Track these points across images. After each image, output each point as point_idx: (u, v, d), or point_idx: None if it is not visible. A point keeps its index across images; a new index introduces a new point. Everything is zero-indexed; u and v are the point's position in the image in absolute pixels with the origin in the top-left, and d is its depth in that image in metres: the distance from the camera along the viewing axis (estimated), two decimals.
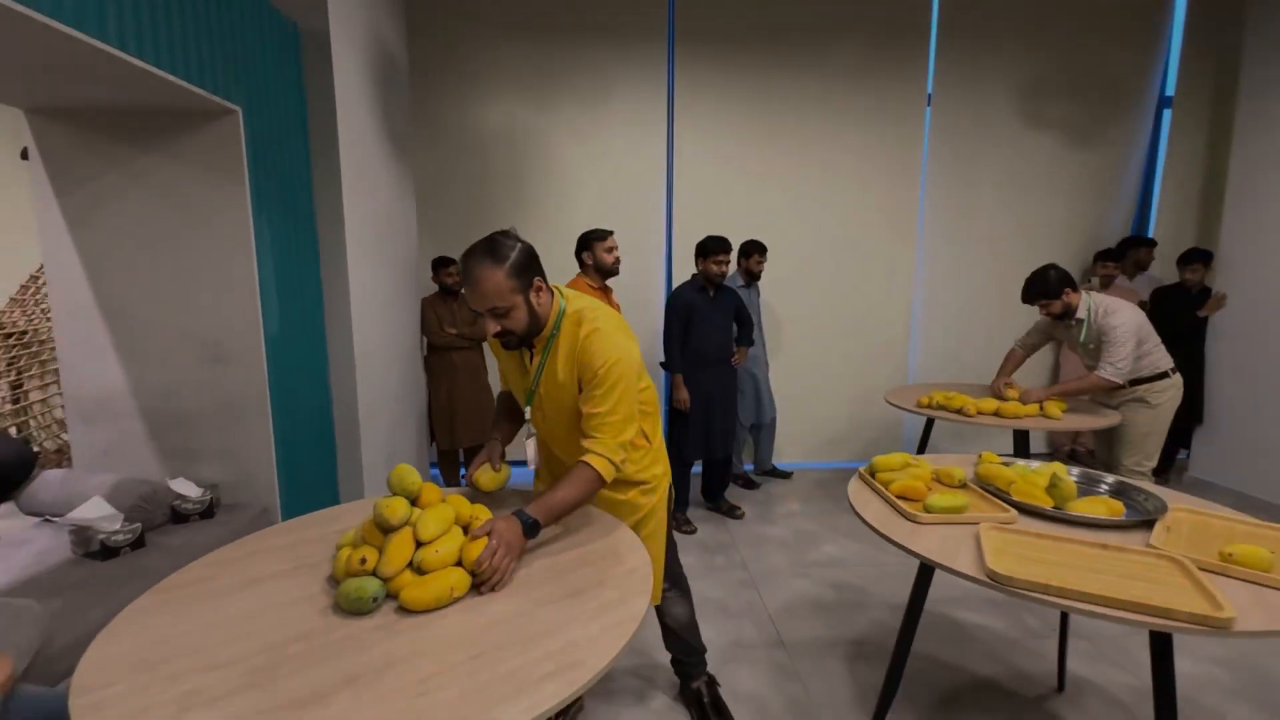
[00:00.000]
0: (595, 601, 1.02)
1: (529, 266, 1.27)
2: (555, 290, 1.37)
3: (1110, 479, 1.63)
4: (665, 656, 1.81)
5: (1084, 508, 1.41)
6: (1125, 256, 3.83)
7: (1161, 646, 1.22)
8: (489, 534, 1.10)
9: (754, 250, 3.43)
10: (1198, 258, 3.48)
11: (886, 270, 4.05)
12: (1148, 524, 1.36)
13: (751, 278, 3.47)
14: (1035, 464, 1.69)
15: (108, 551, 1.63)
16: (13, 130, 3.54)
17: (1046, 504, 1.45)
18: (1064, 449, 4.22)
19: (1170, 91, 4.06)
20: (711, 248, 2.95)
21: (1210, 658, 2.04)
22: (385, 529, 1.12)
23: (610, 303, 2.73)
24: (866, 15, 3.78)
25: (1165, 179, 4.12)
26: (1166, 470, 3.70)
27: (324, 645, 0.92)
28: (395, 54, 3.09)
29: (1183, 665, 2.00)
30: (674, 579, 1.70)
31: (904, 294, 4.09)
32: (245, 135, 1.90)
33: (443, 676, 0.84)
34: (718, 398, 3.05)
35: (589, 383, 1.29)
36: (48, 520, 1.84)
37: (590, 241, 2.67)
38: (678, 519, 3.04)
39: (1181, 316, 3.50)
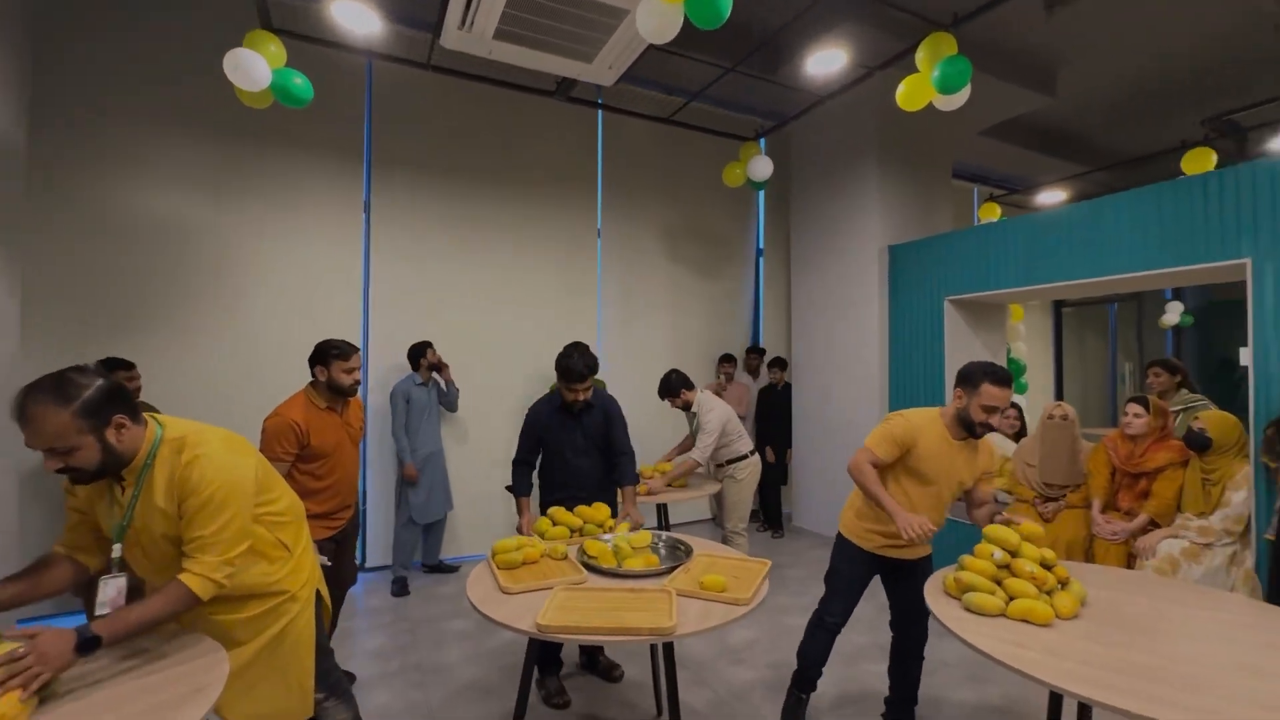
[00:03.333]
0: None
1: (105, 404, 1.26)
2: (151, 420, 1.38)
3: (669, 537, 2.19)
4: None
5: (633, 563, 1.90)
6: (746, 360, 5.16)
7: (668, 653, 1.72)
8: (32, 639, 1.06)
9: (426, 348, 3.73)
10: (776, 364, 4.89)
11: None
12: (675, 568, 1.90)
13: (432, 369, 3.76)
14: (615, 536, 2.16)
15: None
16: None
17: (611, 564, 1.91)
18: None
19: (761, 244, 5.74)
20: (565, 368, 2.39)
21: (763, 664, 2.76)
22: None
23: (344, 420, 2.40)
24: (545, 160, 4.59)
25: (766, 306, 5.72)
26: (779, 523, 4.89)
27: None
28: (8, 137, 2.70)
29: (743, 673, 2.67)
30: (330, 686, 1.68)
31: None
32: None
33: None
34: None
35: (195, 509, 1.31)
36: None
37: (327, 357, 2.29)
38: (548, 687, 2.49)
39: (774, 406, 4.81)
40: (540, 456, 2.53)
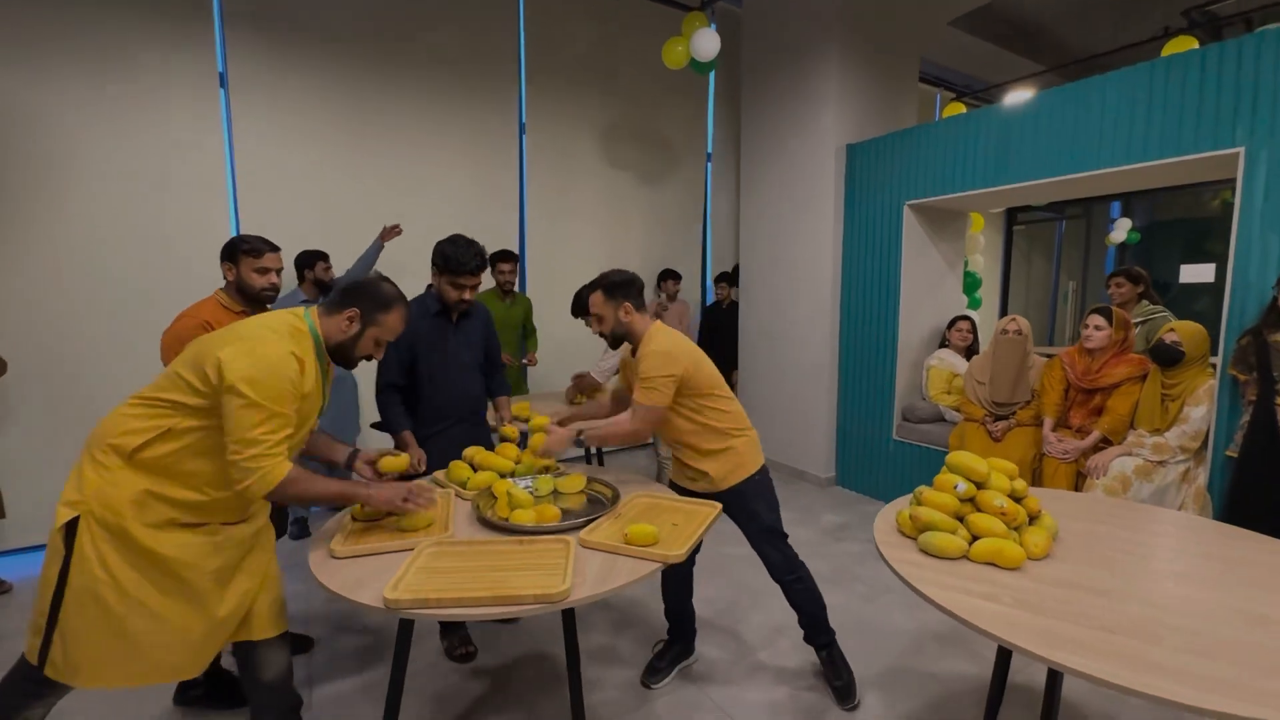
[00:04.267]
0: None
1: None
2: None
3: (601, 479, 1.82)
4: None
5: (522, 516, 1.52)
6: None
7: (568, 622, 1.40)
8: None
9: (317, 258, 3.15)
10: (723, 279, 4.50)
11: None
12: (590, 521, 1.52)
13: (322, 289, 3.17)
14: (524, 481, 1.79)
15: None
16: None
17: (504, 515, 1.55)
18: None
19: (710, 149, 5.19)
20: (451, 257, 1.95)
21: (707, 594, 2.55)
22: None
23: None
24: (453, 40, 3.84)
25: (715, 216, 5.26)
26: None
27: None
28: None
29: None
30: None
31: None
32: None
33: None
34: None
35: None
36: None
37: (236, 252, 1.89)
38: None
39: (718, 323, 4.48)
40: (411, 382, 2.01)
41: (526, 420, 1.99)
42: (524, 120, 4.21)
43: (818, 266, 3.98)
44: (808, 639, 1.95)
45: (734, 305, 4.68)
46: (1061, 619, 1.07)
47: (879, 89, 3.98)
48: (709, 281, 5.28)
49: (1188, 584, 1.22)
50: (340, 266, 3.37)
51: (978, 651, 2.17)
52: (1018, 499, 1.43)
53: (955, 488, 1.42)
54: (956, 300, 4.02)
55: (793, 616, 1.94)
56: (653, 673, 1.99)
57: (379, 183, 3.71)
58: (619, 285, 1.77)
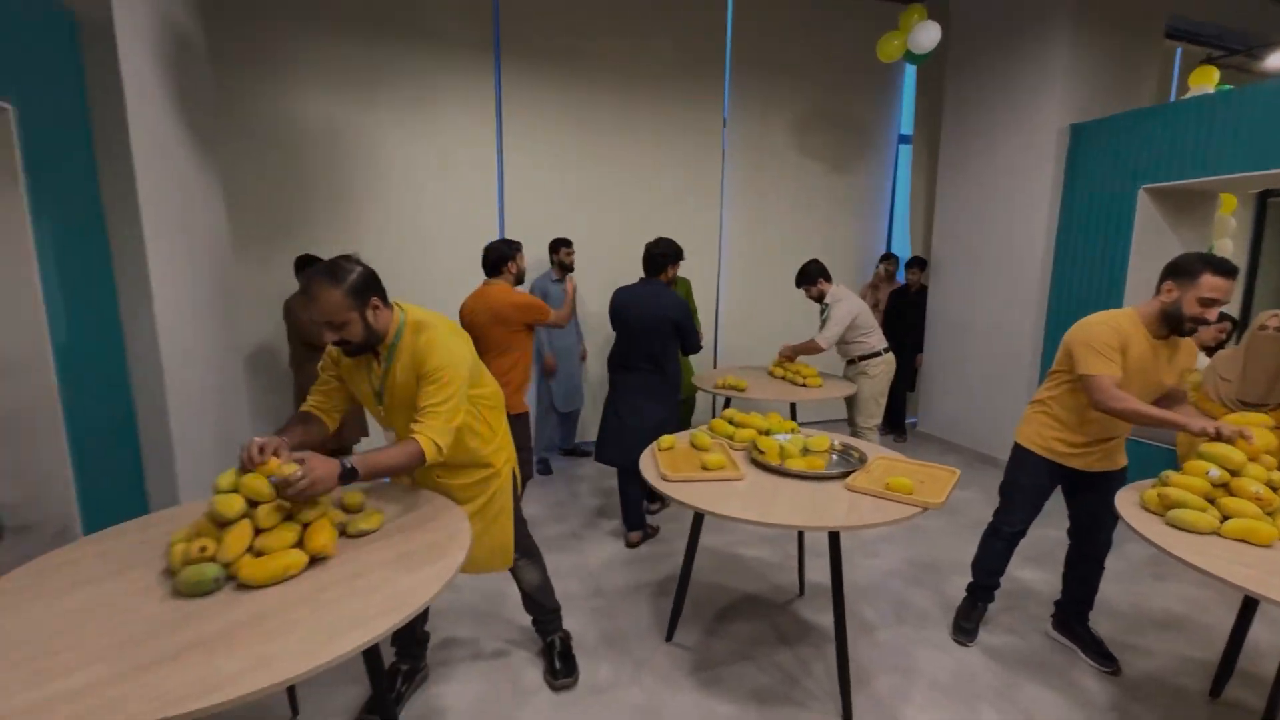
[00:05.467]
0: (420, 559, 1.30)
1: (366, 288, 1.48)
2: (396, 306, 1.59)
3: (843, 441, 2.19)
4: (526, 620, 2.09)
5: (799, 463, 1.94)
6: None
7: (833, 544, 1.81)
8: (303, 462, 1.30)
9: (561, 245, 3.75)
10: (915, 264, 4.55)
11: (693, 272, 4.65)
12: (846, 474, 1.89)
13: (564, 270, 3.79)
14: (785, 436, 2.20)
15: None
16: None
17: (775, 461, 1.98)
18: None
19: (906, 130, 5.15)
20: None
21: (900, 558, 2.83)
22: (222, 523, 1.27)
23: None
24: (669, 47, 4.29)
25: (912, 202, 5.23)
26: (901, 428, 4.79)
27: (168, 623, 1.08)
28: (192, 41, 2.90)
29: (879, 563, 2.77)
30: (524, 549, 1.95)
31: (709, 291, 4.74)
32: (18, 134, 1.79)
33: (287, 627, 1.07)
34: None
35: (424, 379, 1.52)
36: None
37: (514, 251, 2.73)
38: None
39: (906, 308, 4.55)
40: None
41: None
42: (726, 115, 4.56)
43: (1026, 254, 3.90)
44: (1082, 604, 2.16)
45: (923, 290, 4.71)
46: None
47: (1115, 60, 3.74)
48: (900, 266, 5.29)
49: None
50: (581, 249, 3.99)
51: (1195, 636, 2.22)
52: (1275, 488, 1.55)
53: (1208, 473, 1.58)
54: None
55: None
56: (962, 631, 2.24)
57: (609, 180, 4.31)
58: None
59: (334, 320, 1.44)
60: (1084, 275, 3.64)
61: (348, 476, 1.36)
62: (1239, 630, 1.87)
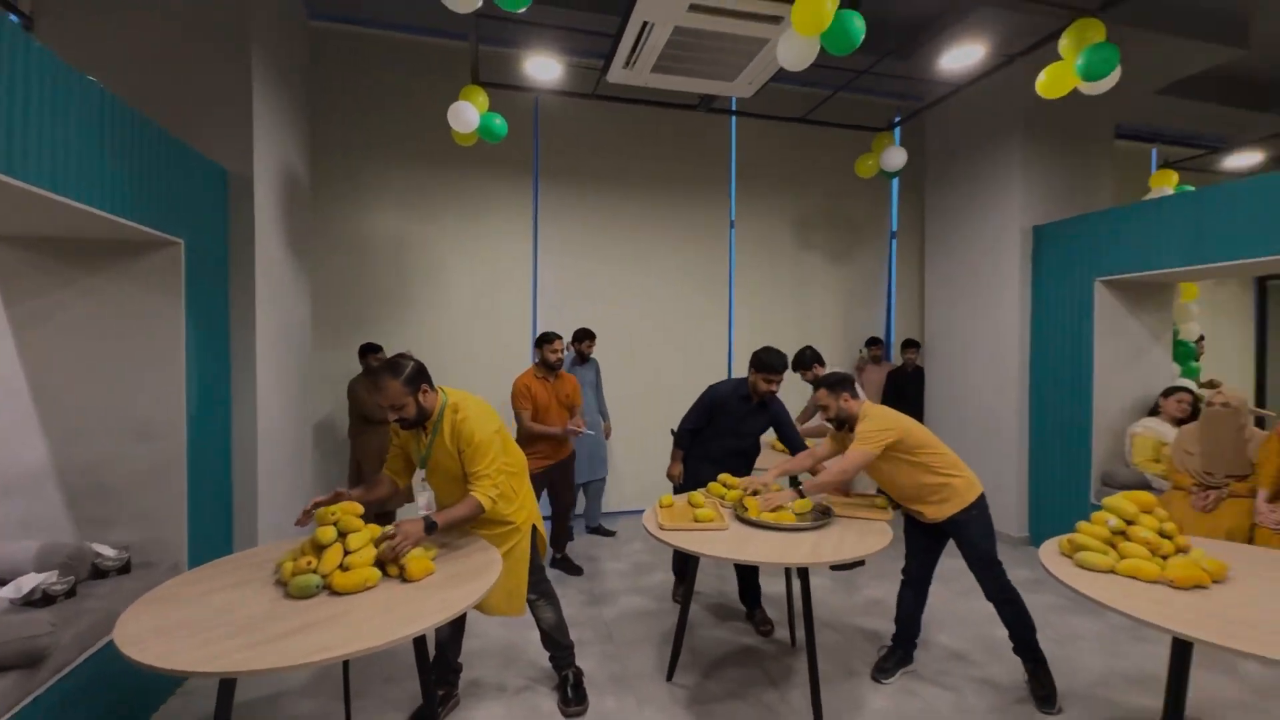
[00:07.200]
0: (463, 582, 1.71)
1: (418, 377, 1.97)
2: (440, 390, 2.07)
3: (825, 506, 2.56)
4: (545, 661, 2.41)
5: (770, 517, 2.30)
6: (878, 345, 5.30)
7: (805, 578, 2.13)
8: (396, 526, 1.77)
9: (585, 337, 4.24)
10: (910, 345, 4.96)
11: (703, 355, 5.15)
12: (817, 528, 2.26)
13: (583, 358, 4.28)
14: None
15: (47, 599, 1.98)
16: None
17: (755, 516, 2.34)
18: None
19: (895, 227, 5.73)
20: (767, 362, 2.87)
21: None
22: (320, 546, 1.72)
23: (556, 387, 3.57)
24: (684, 159, 5.03)
25: (899, 288, 5.72)
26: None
27: (286, 613, 1.51)
28: (300, 178, 3.70)
29: (869, 620, 2.99)
30: (540, 591, 2.31)
31: (719, 373, 5.21)
32: (185, 261, 2.44)
33: (371, 617, 1.49)
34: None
35: (470, 452, 1.98)
36: None
37: (541, 342, 3.56)
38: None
39: (904, 386, 4.91)
40: (705, 429, 3.00)
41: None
42: (734, 217, 5.22)
43: (1005, 338, 4.29)
44: (1017, 652, 2.39)
45: (918, 370, 5.08)
46: (1183, 609, 1.54)
47: (1068, 170, 4.28)
48: (891, 348, 5.70)
49: None
50: (602, 338, 4.54)
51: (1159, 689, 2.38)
52: (1168, 537, 1.85)
53: (1106, 522, 1.89)
54: (1165, 369, 4.02)
55: (971, 639, 2.41)
56: (881, 670, 2.52)
57: (626, 278, 4.94)
58: (837, 382, 2.49)
59: (394, 403, 1.93)
60: (1057, 357, 3.99)
61: (430, 528, 1.84)
62: (1176, 675, 2.06)
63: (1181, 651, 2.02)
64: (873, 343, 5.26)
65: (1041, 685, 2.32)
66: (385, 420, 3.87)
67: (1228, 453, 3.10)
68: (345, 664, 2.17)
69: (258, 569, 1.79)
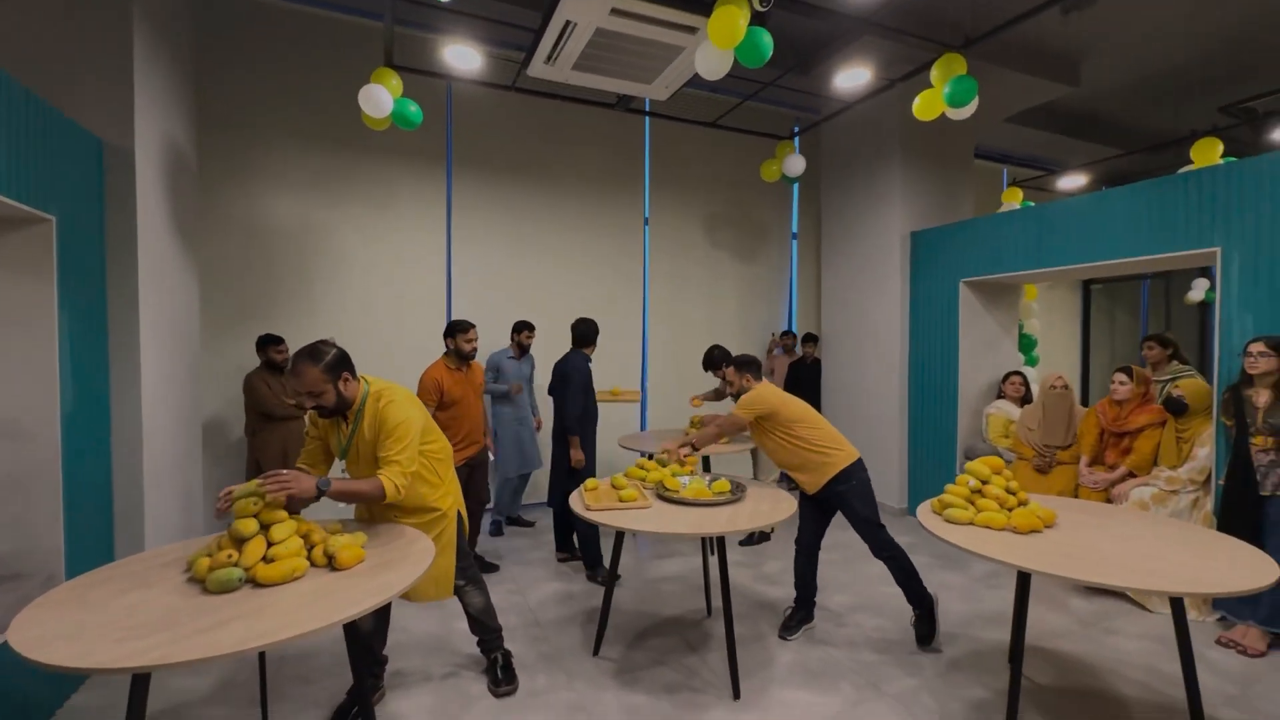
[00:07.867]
0: (394, 568, 1.72)
1: (340, 365, 1.92)
2: (363, 378, 2.04)
3: (739, 483, 2.77)
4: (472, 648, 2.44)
5: (689, 493, 2.49)
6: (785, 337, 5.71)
7: (722, 548, 2.33)
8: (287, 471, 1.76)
9: (524, 328, 4.29)
10: (809, 339, 5.40)
11: (622, 345, 5.30)
12: (731, 503, 2.47)
13: (523, 350, 4.31)
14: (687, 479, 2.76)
15: None
16: None
17: (676, 493, 2.51)
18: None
19: (795, 229, 6.18)
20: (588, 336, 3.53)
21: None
22: (241, 539, 1.66)
23: (468, 377, 3.41)
24: (601, 156, 5.13)
25: (799, 286, 6.19)
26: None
27: (207, 608, 1.46)
28: (187, 155, 3.39)
29: (776, 590, 3.28)
30: (468, 577, 2.31)
31: (634, 363, 5.38)
32: (57, 241, 2.20)
33: (300, 606, 1.47)
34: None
35: (385, 436, 1.95)
36: None
37: (454, 331, 3.34)
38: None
39: (802, 376, 5.34)
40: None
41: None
42: (647, 214, 5.40)
43: (889, 332, 4.80)
44: (909, 600, 2.71)
45: (816, 361, 5.54)
46: (1024, 547, 1.88)
47: (938, 184, 4.85)
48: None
49: (1119, 540, 1.98)
50: (543, 330, 4.56)
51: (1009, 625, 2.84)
52: (1013, 493, 2.23)
53: (968, 483, 2.25)
54: (1012, 358, 4.69)
55: (862, 597, 2.73)
56: (786, 628, 2.79)
57: (543, 270, 4.96)
58: (745, 364, 2.75)
59: (313, 390, 1.87)
60: (929, 348, 4.54)
61: (320, 487, 1.79)
62: (1019, 608, 2.47)
63: (1024, 583, 2.44)
64: (786, 333, 5.71)
65: (924, 625, 2.69)
66: (290, 416, 3.74)
67: (1062, 427, 3.72)
68: (262, 668, 2.08)
69: (166, 569, 1.69)
